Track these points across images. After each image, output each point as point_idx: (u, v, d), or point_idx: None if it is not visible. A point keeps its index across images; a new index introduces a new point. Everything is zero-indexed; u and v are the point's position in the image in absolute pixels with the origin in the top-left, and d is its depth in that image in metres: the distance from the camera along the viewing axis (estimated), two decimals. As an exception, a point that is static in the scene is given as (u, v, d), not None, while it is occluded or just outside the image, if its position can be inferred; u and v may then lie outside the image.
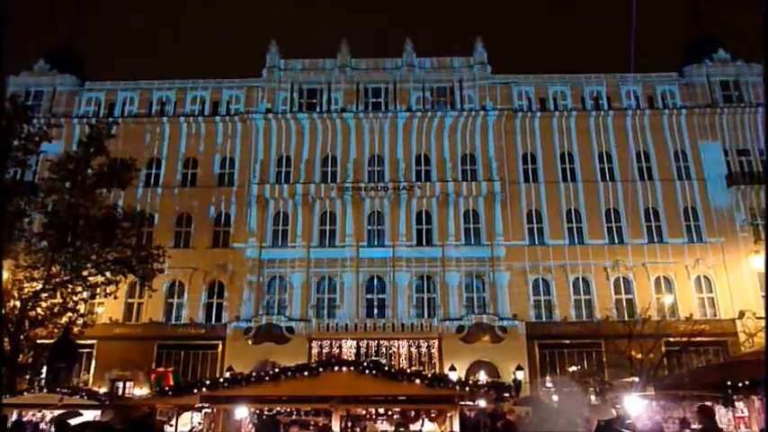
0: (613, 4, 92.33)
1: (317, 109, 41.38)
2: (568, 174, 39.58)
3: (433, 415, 18.93)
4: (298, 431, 19.58)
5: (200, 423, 21.10)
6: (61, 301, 28.88)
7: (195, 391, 16.52)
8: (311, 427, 19.80)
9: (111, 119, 34.22)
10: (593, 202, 38.56)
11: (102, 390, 29.74)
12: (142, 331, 35.73)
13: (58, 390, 20.71)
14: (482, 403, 18.90)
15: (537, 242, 37.93)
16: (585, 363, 34.58)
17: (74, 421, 17.52)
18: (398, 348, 34.76)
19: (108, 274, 29.47)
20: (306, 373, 16.12)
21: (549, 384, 33.87)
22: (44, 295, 28.14)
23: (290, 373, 16.17)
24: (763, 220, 36.78)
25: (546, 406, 27.21)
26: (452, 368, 32.53)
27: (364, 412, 19.91)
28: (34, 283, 28.08)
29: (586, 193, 38.80)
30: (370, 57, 42.58)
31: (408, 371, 17.89)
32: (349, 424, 19.03)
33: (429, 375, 17.26)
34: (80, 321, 29.67)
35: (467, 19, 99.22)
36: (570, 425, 17.49)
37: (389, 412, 19.93)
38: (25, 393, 21.37)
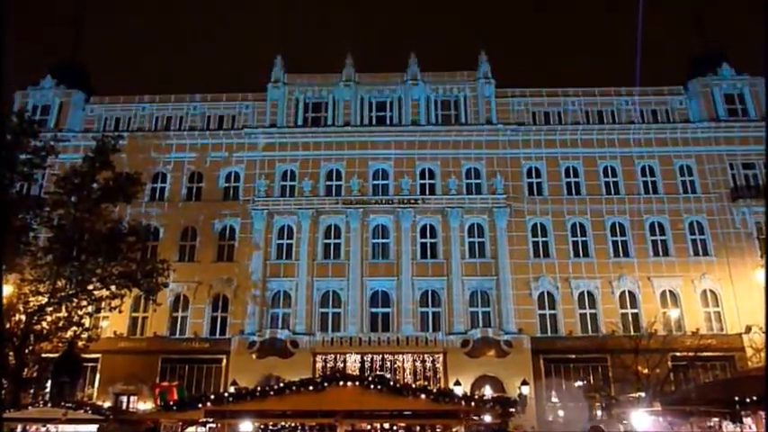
0: (617, 12, 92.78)
1: (322, 123, 41.59)
2: (573, 188, 39.56)
3: (438, 430, 18.86)
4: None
5: (204, 438, 21.01)
6: (66, 314, 28.94)
7: (200, 405, 16.54)
8: (316, 442, 19.72)
9: (116, 133, 34.36)
10: (598, 216, 38.50)
11: (107, 404, 29.56)
12: (146, 345, 35.69)
13: (63, 404, 20.66)
14: (487, 418, 18.82)
15: (542, 256, 37.83)
16: (591, 377, 34.35)
17: None
18: (403, 363, 34.59)
19: (113, 287, 29.60)
20: (311, 388, 16.10)
21: (554, 399, 33.66)
22: (49, 309, 28.22)
23: (294, 388, 16.15)
24: None
25: (550, 422, 27.09)
26: (457, 383, 32.30)
27: (369, 427, 19.85)
28: (39, 297, 28.18)
29: (591, 207, 38.76)
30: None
31: (413, 386, 17.82)
32: (354, 439, 18.96)
33: (434, 390, 17.19)
34: (85, 335, 29.67)
35: (468, 20, 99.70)
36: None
37: (395, 427, 19.86)
38: (30, 408, 21.32)
